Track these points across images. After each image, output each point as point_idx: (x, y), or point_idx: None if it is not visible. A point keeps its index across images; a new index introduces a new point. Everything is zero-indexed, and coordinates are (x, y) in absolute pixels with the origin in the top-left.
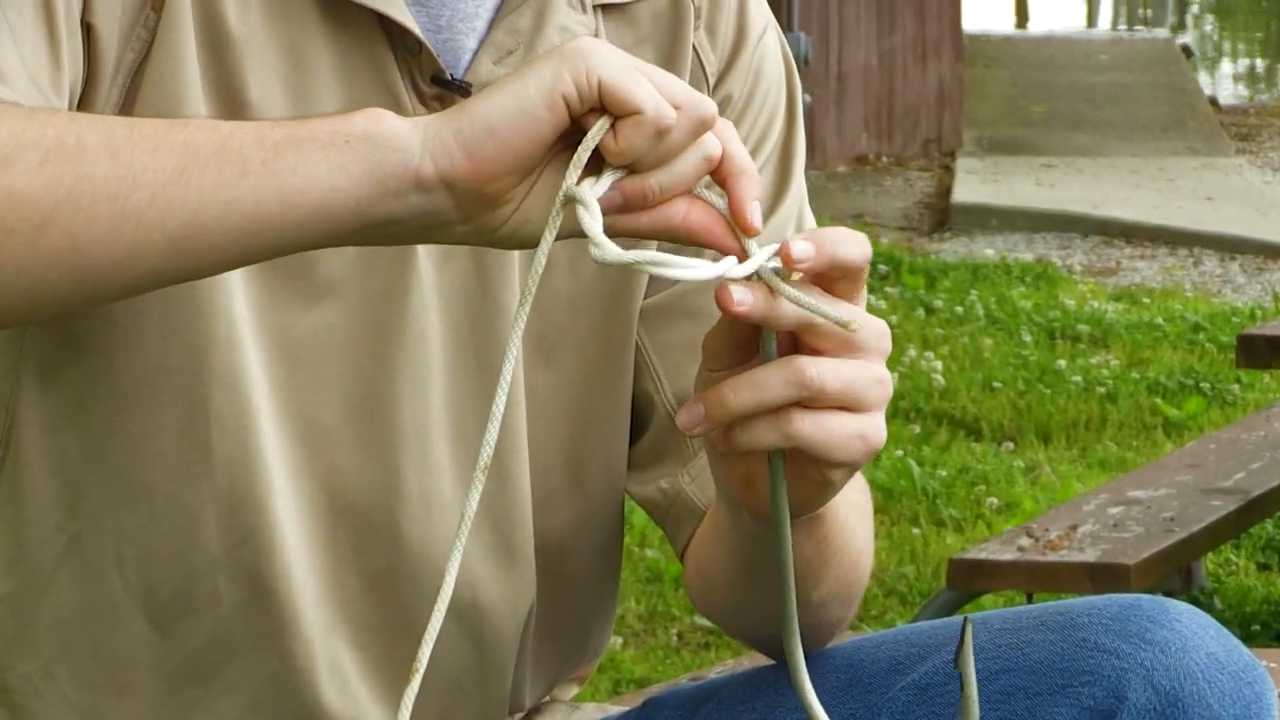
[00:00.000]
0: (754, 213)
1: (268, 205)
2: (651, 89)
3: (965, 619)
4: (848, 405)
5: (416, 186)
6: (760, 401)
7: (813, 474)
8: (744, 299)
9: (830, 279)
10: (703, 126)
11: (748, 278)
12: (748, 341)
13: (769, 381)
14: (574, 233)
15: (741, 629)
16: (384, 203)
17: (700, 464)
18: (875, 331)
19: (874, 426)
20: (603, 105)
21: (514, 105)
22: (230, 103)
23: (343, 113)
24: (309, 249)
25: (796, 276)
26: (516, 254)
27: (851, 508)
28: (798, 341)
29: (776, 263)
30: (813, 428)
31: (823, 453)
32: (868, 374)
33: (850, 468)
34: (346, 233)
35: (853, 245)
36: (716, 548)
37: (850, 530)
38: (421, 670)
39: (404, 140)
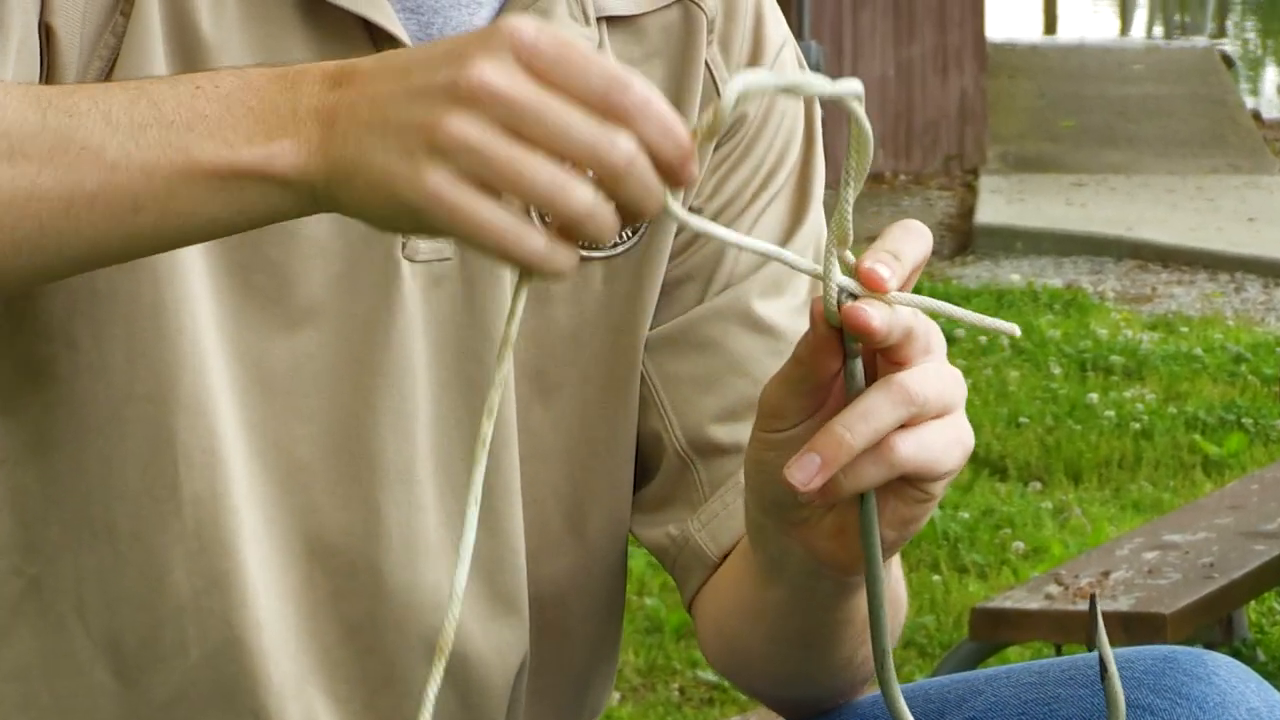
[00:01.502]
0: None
1: (169, 236)
2: (499, 224)
3: (1092, 594)
4: (940, 412)
5: (315, 210)
6: (875, 432)
7: (912, 494)
8: (880, 314)
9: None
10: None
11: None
12: (825, 384)
13: (879, 408)
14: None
15: (774, 690)
16: (289, 219)
17: (711, 511)
18: (934, 328)
19: (965, 427)
20: None
21: (376, 193)
22: None
23: (236, 105)
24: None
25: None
26: (508, 278)
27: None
28: (876, 363)
29: (848, 283)
30: (915, 448)
31: (930, 470)
32: (949, 374)
33: (951, 477)
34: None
35: (919, 240)
36: (756, 624)
37: (895, 578)
38: None
39: (298, 182)
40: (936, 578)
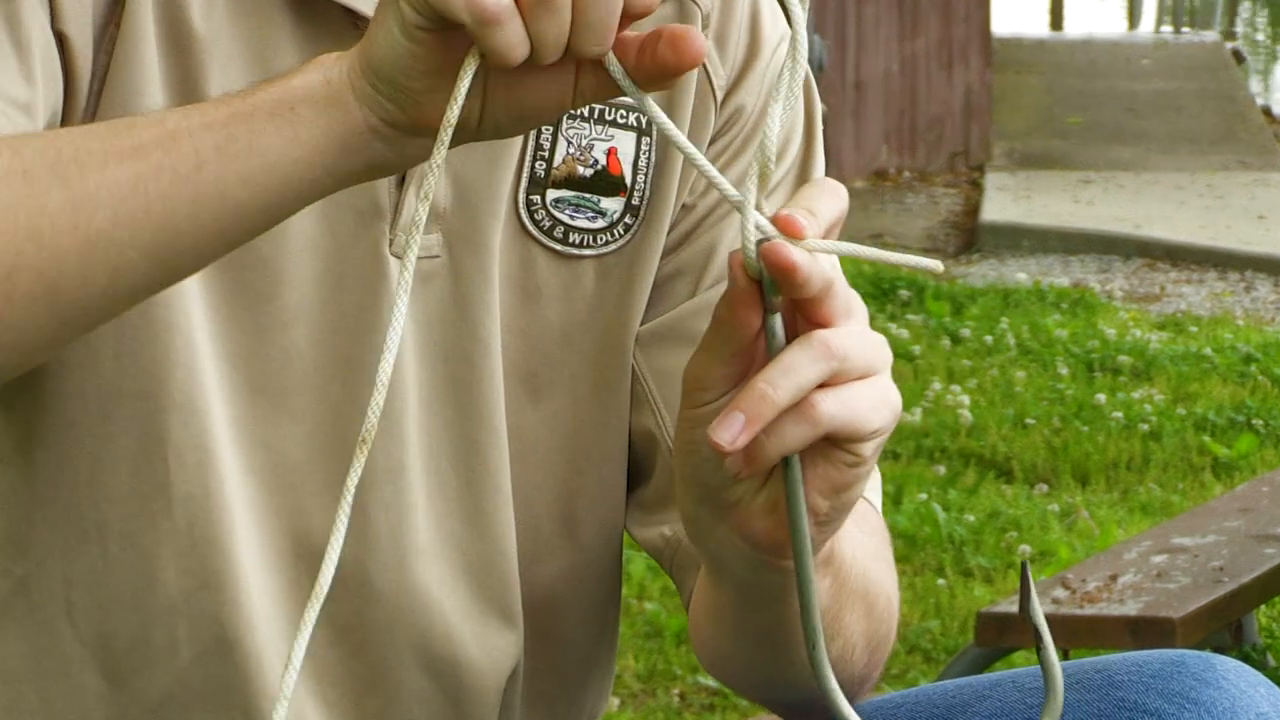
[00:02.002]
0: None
1: (234, 193)
2: None
3: (1024, 563)
4: (864, 372)
5: (374, 136)
6: (798, 387)
7: (841, 458)
8: (803, 257)
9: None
10: None
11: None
12: (747, 349)
13: (800, 363)
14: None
15: (758, 693)
16: (350, 159)
17: None
18: (854, 293)
19: (890, 388)
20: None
21: (390, 51)
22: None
23: (283, 74)
24: (295, 213)
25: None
26: (498, 278)
27: (860, 548)
28: (794, 322)
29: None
30: (838, 405)
31: (855, 429)
32: (872, 337)
33: (880, 438)
34: (327, 191)
35: (835, 198)
36: (719, 626)
37: (863, 572)
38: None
39: (341, 95)
40: (941, 582)
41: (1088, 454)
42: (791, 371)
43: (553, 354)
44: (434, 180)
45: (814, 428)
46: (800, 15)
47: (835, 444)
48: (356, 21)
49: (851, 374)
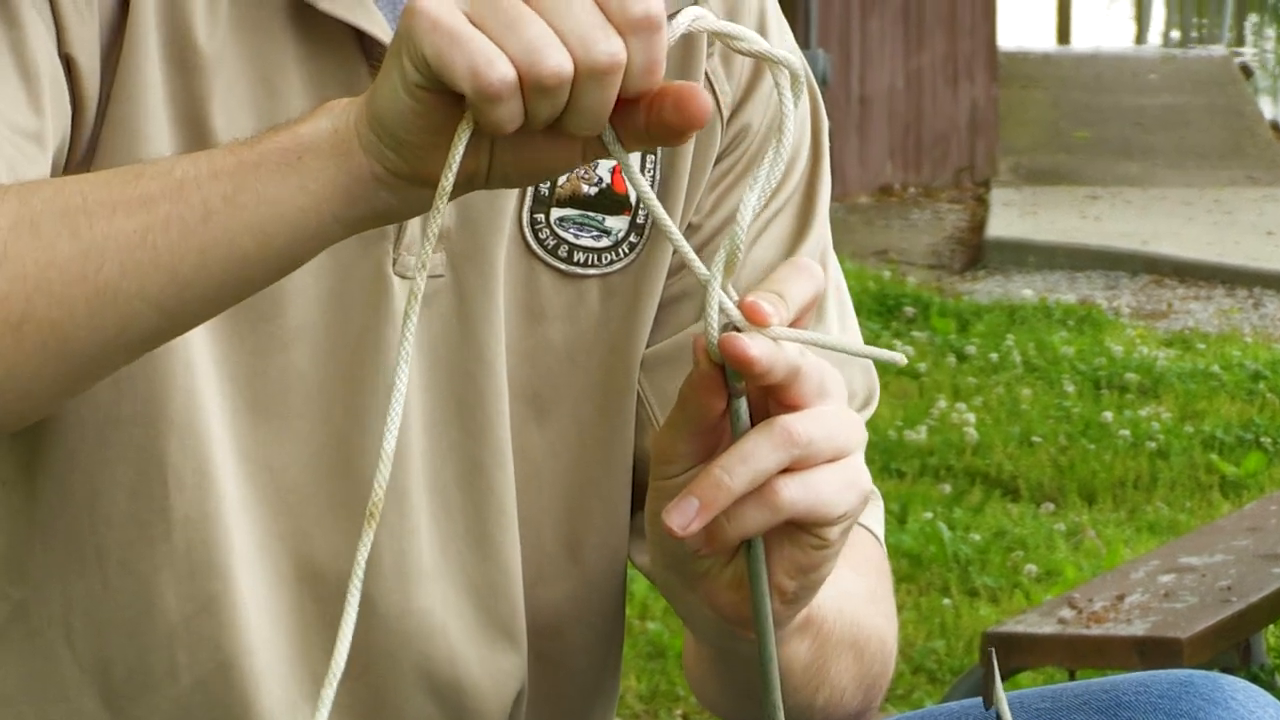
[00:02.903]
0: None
1: (242, 242)
2: (478, 45)
3: (989, 651)
4: (832, 456)
5: (379, 185)
6: (756, 474)
7: (808, 542)
8: (761, 347)
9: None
10: (598, 71)
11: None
12: (712, 426)
13: (759, 450)
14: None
15: None
16: (356, 207)
17: None
18: (831, 372)
19: (859, 470)
20: None
21: (392, 106)
22: (192, 126)
23: (291, 122)
24: (306, 261)
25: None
26: (503, 299)
27: (849, 598)
28: (765, 403)
29: (730, 304)
30: (802, 491)
31: (819, 514)
32: (841, 418)
33: (847, 523)
34: (335, 239)
35: (808, 280)
36: (707, 675)
37: (852, 621)
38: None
39: (348, 144)
40: (946, 601)
41: (1094, 472)
42: (750, 459)
43: (558, 374)
44: (428, 251)
45: (775, 513)
46: (790, 97)
47: (801, 527)
48: (361, 39)
49: (817, 458)
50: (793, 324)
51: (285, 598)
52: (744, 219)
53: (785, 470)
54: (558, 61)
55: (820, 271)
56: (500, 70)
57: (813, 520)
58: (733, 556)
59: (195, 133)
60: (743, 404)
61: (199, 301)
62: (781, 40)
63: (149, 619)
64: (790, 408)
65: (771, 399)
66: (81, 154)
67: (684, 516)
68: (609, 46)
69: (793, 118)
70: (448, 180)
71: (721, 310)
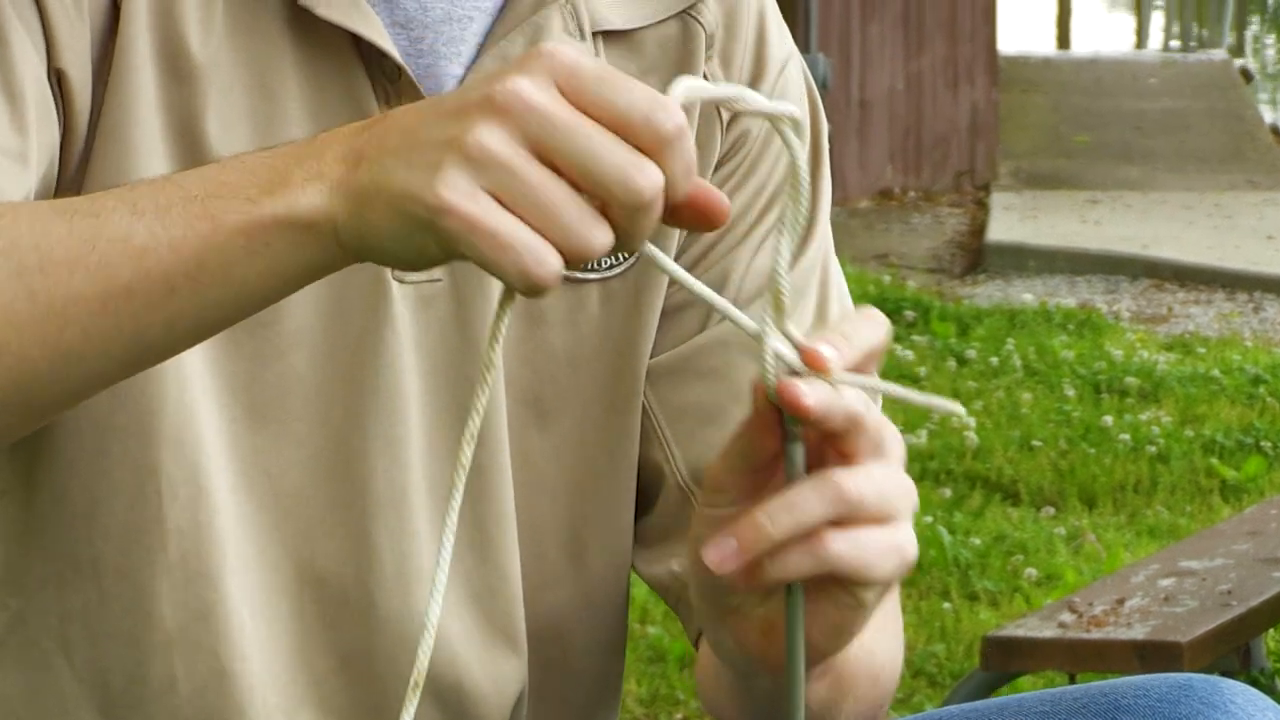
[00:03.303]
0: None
1: (208, 315)
2: (524, 244)
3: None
4: (882, 518)
5: (344, 260)
6: (799, 525)
7: (843, 598)
8: (820, 396)
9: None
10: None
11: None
12: (766, 464)
13: (807, 502)
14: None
15: None
16: (321, 274)
17: None
18: (890, 429)
19: (908, 537)
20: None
21: (394, 254)
22: (186, 135)
23: (256, 169)
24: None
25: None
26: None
27: (868, 629)
28: (822, 449)
29: (790, 352)
30: (849, 547)
31: (861, 574)
32: (897, 480)
33: (885, 587)
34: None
35: (875, 327)
36: (723, 694)
37: (869, 652)
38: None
39: (324, 238)
40: (947, 605)
41: (1094, 476)
42: (796, 509)
43: (559, 380)
44: (476, 423)
45: (819, 564)
46: (800, 148)
47: (838, 583)
48: (358, 44)
49: (865, 518)
50: (856, 370)
51: (285, 602)
52: (783, 259)
53: (839, 522)
54: (602, 240)
55: (886, 321)
56: (550, 266)
57: (853, 579)
58: (766, 599)
59: (188, 142)
60: (798, 449)
61: (168, 352)
62: (781, 42)
63: (146, 629)
64: (846, 457)
65: (829, 446)
66: (74, 166)
67: (720, 554)
68: (647, 179)
69: (805, 168)
70: (495, 352)
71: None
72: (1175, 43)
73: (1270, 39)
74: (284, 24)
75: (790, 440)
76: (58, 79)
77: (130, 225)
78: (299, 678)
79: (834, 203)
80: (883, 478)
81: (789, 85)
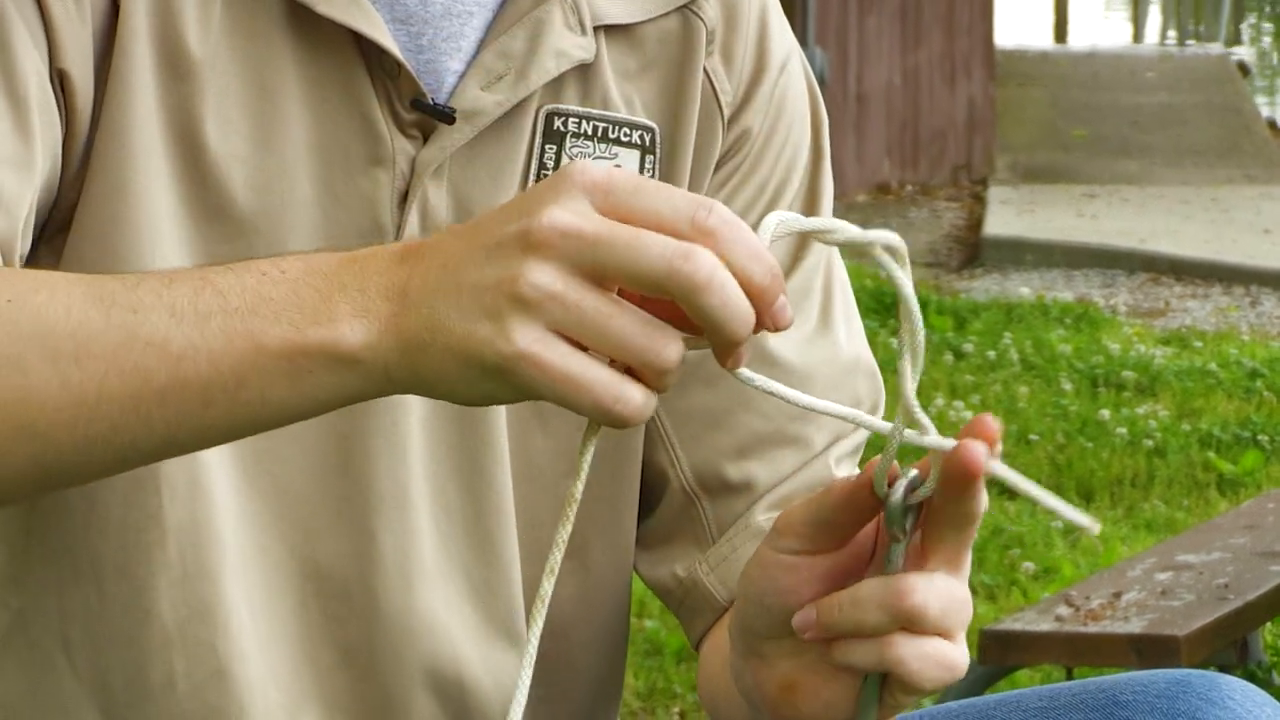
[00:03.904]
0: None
1: (241, 426)
2: (598, 381)
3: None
4: (941, 632)
5: (393, 391)
6: (858, 625)
7: (885, 698)
8: (988, 466)
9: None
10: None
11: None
12: (844, 534)
13: (867, 604)
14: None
15: None
16: (362, 400)
17: (720, 554)
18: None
19: (961, 654)
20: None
21: (451, 393)
22: (184, 134)
23: (303, 286)
24: None
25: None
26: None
27: None
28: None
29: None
30: (913, 655)
31: (912, 681)
32: (960, 596)
33: (926, 694)
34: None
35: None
36: (730, 707)
37: None
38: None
39: (370, 361)
40: None
41: (1091, 470)
42: (857, 606)
43: None
44: (558, 556)
45: (880, 663)
46: (903, 277)
47: (886, 682)
48: (359, 41)
49: (923, 630)
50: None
51: (287, 598)
52: (909, 386)
53: (906, 629)
54: (673, 352)
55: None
56: (631, 401)
57: (904, 686)
58: (795, 654)
59: (188, 141)
60: (899, 550)
61: (196, 449)
62: (783, 37)
63: (145, 628)
64: (925, 559)
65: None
66: (76, 165)
67: (803, 620)
68: (696, 265)
69: (911, 293)
70: (578, 488)
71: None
72: (1172, 36)
73: (1267, 31)
74: (283, 21)
75: (893, 541)
76: (60, 79)
77: (169, 330)
78: (301, 674)
79: (833, 196)
80: (947, 592)
81: (791, 82)
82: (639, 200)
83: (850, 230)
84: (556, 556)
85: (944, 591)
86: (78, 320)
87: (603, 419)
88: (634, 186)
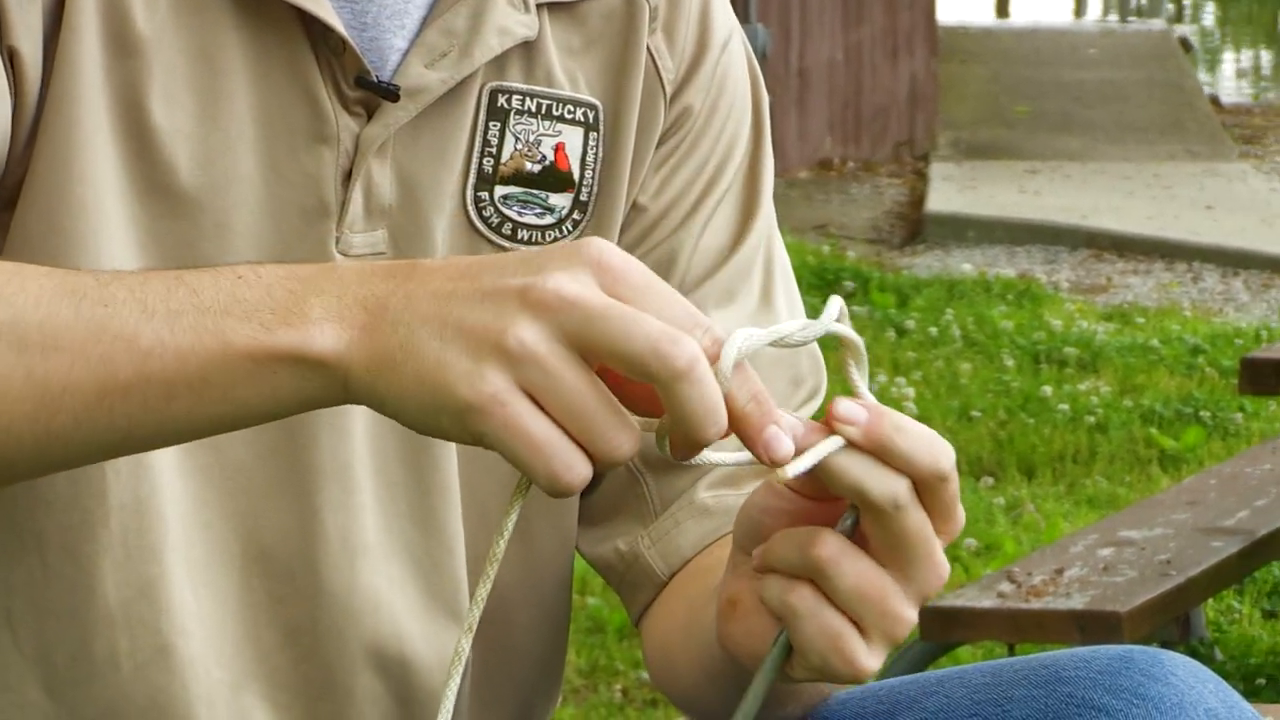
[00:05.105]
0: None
1: (200, 424)
2: (556, 452)
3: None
4: (854, 617)
5: (344, 401)
6: (779, 559)
7: (787, 671)
8: (858, 415)
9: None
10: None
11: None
12: (792, 517)
13: (790, 540)
14: None
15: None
16: (317, 407)
17: (662, 528)
18: (941, 570)
19: (866, 655)
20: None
21: (409, 419)
22: (129, 110)
23: (277, 288)
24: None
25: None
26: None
27: None
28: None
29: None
30: (810, 612)
31: (802, 645)
32: (892, 604)
33: (822, 679)
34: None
35: (920, 443)
36: (689, 652)
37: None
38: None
39: (334, 366)
40: None
41: (1033, 446)
42: (787, 544)
43: None
44: (477, 614)
45: (780, 606)
46: (862, 384)
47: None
48: (304, 19)
49: (836, 601)
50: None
51: (231, 577)
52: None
53: (822, 589)
54: (629, 446)
55: (950, 454)
56: (578, 472)
57: (800, 655)
58: (748, 574)
59: (133, 117)
60: (850, 515)
61: (152, 448)
62: (725, 16)
63: (89, 605)
64: (870, 546)
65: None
66: (24, 142)
67: (759, 547)
68: (683, 350)
69: (867, 392)
70: (499, 547)
71: None
72: (1114, 13)
73: (1209, 8)
74: (228, 1)
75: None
76: (9, 56)
77: (139, 324)
78: (244, 653)
79: (774, 174)
80: (877, 581)
81: (732, 60)
82: (643, 298)
83: (808, 331)
84: (475, 614)
85: (869, 577)
86: (46, 311)
87: (545, 484)
88: (644, 284)
